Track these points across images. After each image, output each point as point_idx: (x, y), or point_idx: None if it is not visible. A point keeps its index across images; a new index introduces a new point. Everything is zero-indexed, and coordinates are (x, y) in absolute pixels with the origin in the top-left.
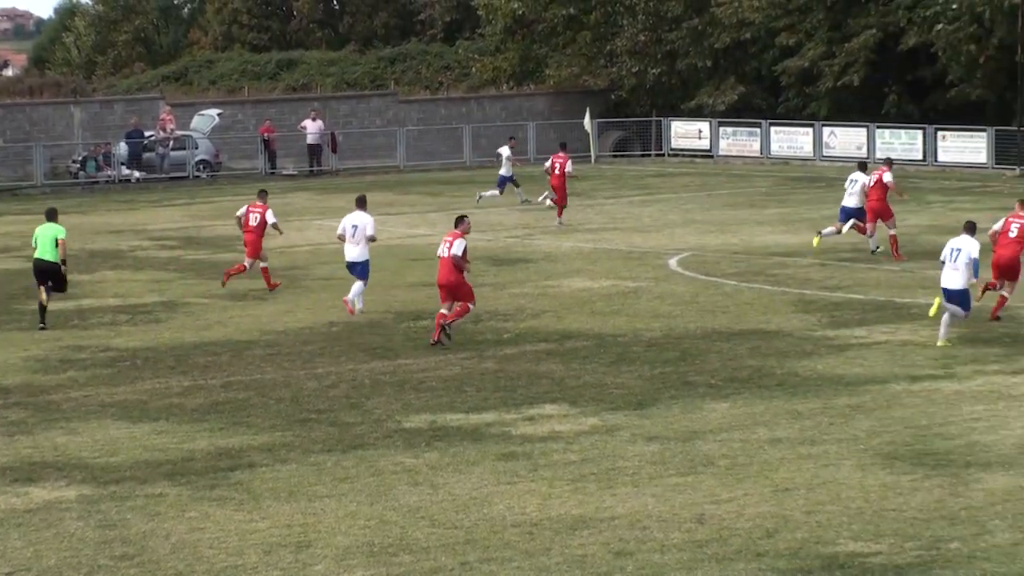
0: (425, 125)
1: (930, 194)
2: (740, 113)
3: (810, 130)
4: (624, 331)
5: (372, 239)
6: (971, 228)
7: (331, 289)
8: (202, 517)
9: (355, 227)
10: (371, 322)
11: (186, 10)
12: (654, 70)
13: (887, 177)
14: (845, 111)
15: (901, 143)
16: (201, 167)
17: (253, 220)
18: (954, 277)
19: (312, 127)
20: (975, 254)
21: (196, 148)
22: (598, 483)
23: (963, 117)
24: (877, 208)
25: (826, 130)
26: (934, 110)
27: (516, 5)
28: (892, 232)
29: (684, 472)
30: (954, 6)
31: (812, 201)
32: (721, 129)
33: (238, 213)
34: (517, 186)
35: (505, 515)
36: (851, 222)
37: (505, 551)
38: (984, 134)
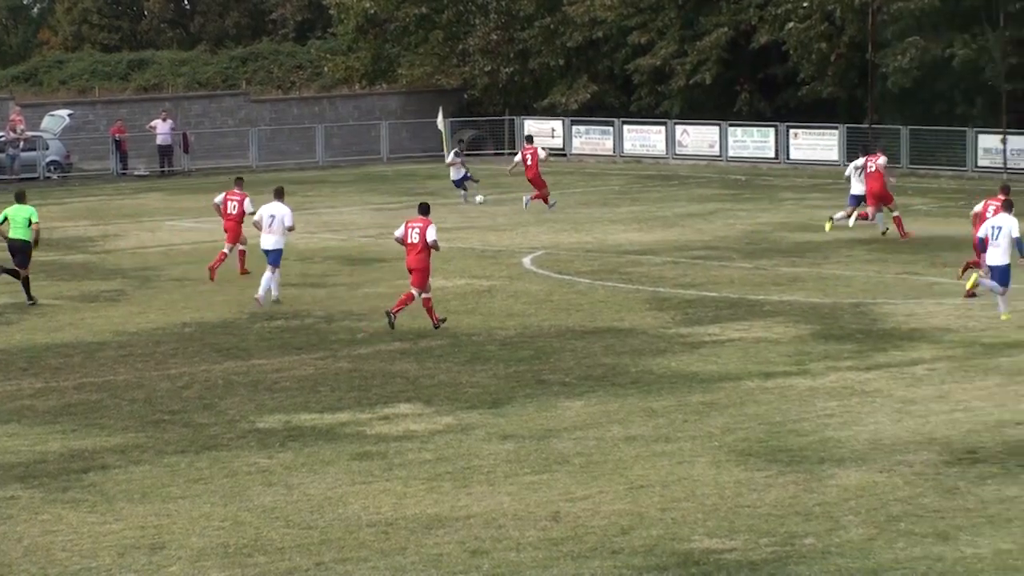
0: (277, 125)
1: (783, 191)
2: (593, 112)
3: (663, 128)
4: (478, 330)
5: (291, 228)
6: (1009, 206)
7: (184, 290)
8: (55, 520)
9: (272, 217)
10: (224, 322)
11: (35, 10)
12: (507, 69)
13: (882, 161)
14: (697, 109)
15: (754, 141)
16: (52, 168)
17: (232, 208)
18: (995, 254)
19: (163, 127)
20: (1016, 232)
21: (47, 149)
22: (453, 482)
23: (815, 115)
24: (880, 192)
25: (679, 128)
26: (786, 108)
27: (368, 4)
28: (896, 213)
29: (539, 470)
30: (805, 4)
31: (665, 199)
32: (574, 128)
33: (216, 200)
34: (475, 181)
35: (360, 515)
36: (856, 212)
37: (360, 551)
38: (836, 132)
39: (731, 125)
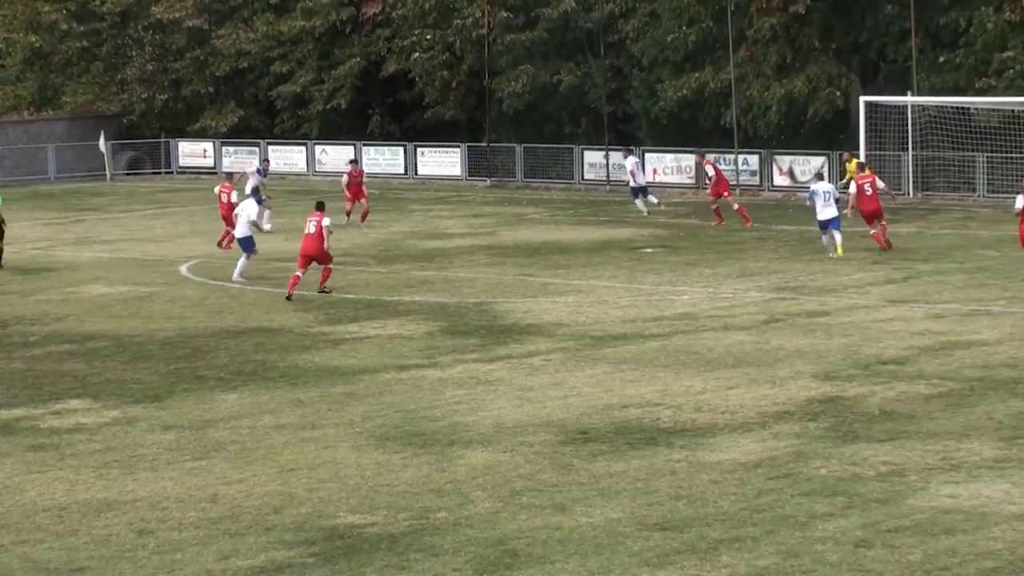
0: None
1: (412, 204)
2: (240, 133)
3: (303, 148)
4: (140, 332)
5: (255, 226)
6: None
7: None
8: None
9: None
10: None
11: None
12: (162, 96)
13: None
14: (334, 131)
15: (385, 159)
16: None
17: (224, 198)
18: None
19: None
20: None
21: None
22: (121, 469)
23: (439, 135)
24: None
25: (318, 148)
26: (413, 129)
27: (34, 39)
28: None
29: (198, 457)
30: (428, 36)
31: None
32: (224, 148)
33: (215, 191)
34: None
35: (36, 501)
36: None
37: (37, 533)
38: (458, 150)
39: (365, 144)
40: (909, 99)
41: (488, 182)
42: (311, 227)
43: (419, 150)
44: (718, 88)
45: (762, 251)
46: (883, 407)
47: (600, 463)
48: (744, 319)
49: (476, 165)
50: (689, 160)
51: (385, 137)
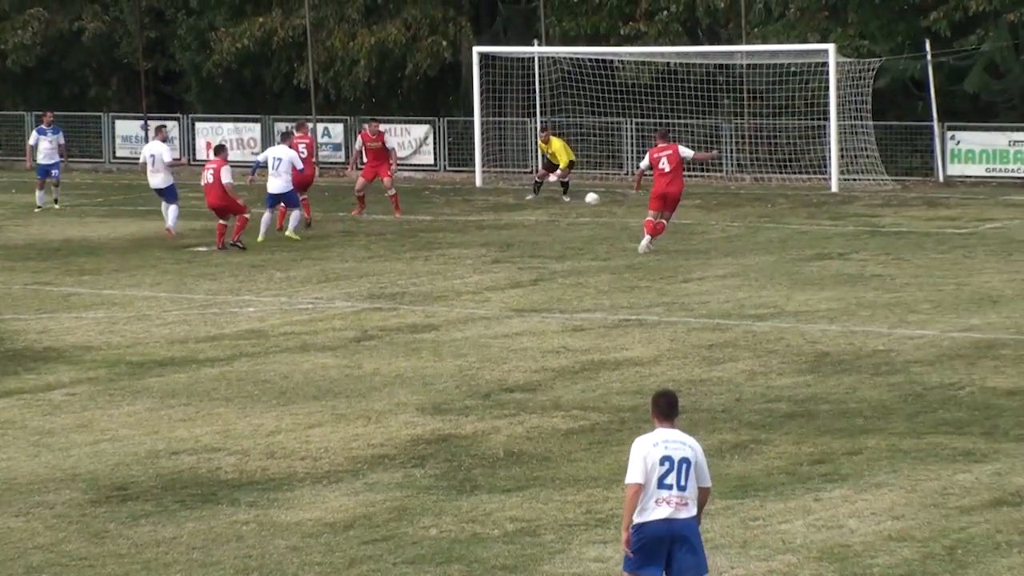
0: None
1: None
2: None
3: None
4: None
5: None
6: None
7: None
8: None
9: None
10: None
11: None
12: None
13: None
14: None
15: None
16: None
17: (211, 177)
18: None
19: None
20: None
21: None
22: None
23: None
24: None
25: None
26: None
27: None
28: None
29: None
30: None
31: None
32: None
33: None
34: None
35: None
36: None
37: None
38: None
39: None
40: (536, 49)
41: None
42: (210, 176)
43: None
44: (289, 37)
45: (350, 248)
46: (509, 447)
47: (144, 528)
48: (328, 336)
49: None
50: (254, 131)
51: None
